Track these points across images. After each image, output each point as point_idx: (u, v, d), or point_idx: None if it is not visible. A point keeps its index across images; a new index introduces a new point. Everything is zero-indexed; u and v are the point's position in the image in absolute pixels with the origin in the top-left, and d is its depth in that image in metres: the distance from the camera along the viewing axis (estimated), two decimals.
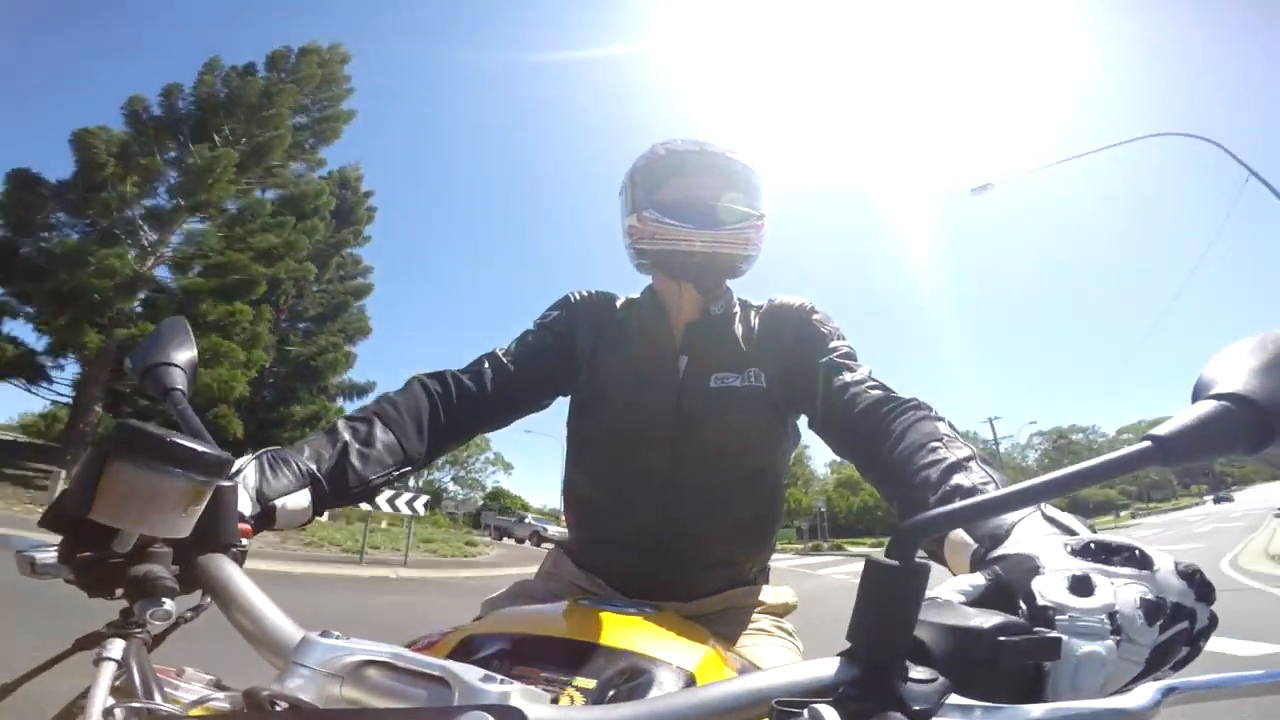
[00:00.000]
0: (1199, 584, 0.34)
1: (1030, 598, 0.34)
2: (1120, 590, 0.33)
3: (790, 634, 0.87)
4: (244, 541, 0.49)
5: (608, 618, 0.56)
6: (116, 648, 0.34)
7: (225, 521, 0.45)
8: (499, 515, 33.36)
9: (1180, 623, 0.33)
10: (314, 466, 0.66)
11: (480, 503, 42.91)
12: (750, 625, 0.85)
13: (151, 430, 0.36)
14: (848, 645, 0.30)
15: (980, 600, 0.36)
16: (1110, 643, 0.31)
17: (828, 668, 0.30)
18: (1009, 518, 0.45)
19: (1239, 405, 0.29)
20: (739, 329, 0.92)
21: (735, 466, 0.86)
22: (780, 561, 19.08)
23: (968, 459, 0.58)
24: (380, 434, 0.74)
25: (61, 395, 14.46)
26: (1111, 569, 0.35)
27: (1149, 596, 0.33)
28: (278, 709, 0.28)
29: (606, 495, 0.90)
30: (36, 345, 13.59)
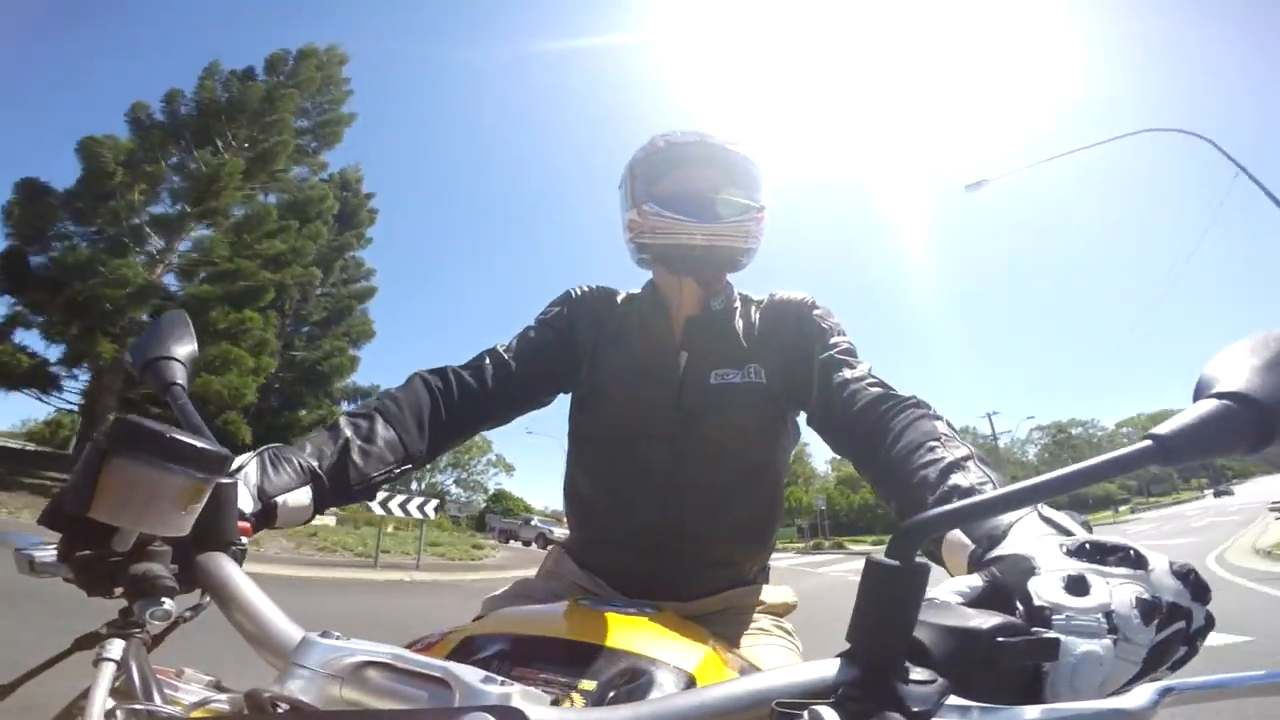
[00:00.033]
0: (1194, 583, 0.34)
1: (1027, 598, 0.34)
2: (1116, 590, 0.33)
3: (790, 634, 0.87)
4: (244, 540, 0.49)
5: (608, 618, 0.56)
6: (116, 648, 0.34)
7: (225, 520, 0.44)
8: (503, 518, 33.74)
9: (1177, 622, 0.33)
10: (315, 463, 0.66)
11: (483, 505, 43.07)
12: (750, 625, 0.85)
13: (152, 426, 0.36)
14: (847, 645, 0.31)
15: (978, 601, 0.36)
16: (1107, 642, 0.31)
17: (827, 669, 0.30)
18: (1006, 518, 0.45)
19: (1240, 404, 0.29)
20: (739, 324, 0.92)
21: (735, 463, 0.86)
22: (781, 560, 19.24)
23: (965, 458, 0.58)
24: (382, 430, 0.74)
25: (67, 403, 14.58)
26: (1107, 569, 0.35)
27: (1145, 596, 0.33)
28: (279, 710, 0.28)
29: (607, 493, 0.90)
30: (47, 354, 13.73)
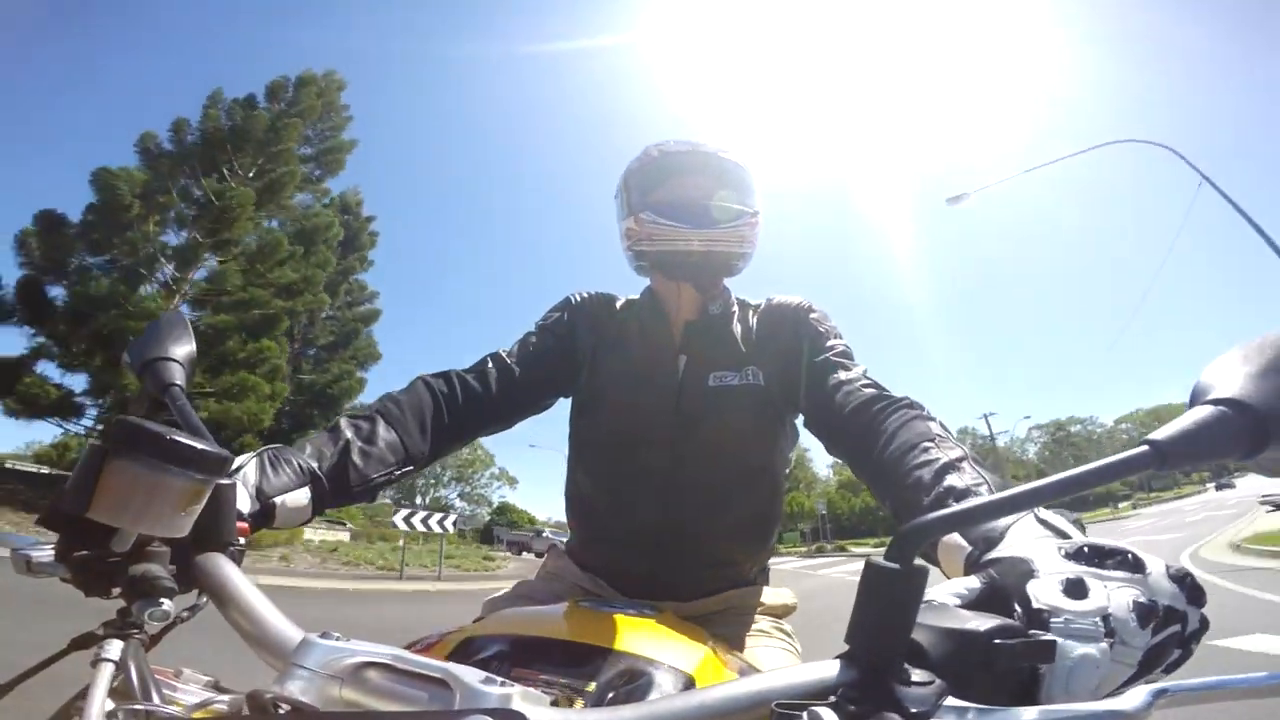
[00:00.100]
0: (1190, 587, 0.34)
1: (1025, 601, 0.34)
2: (1113, 593, 0.33)
3: (789, 635, 0.87)
4: (242, 540, 0.49)
5: (607, 619, 0.56)
6: (115, 648, 0.34)
7: (224, 521, 0.44)
8: (512, 530, 34.49)
9: (1172, 625, 0.33)
10: (315, 464, 0.65)
11: (488, 518, 43.25)
12: (750, 627, 0.85)
13: (152, 427, 0.36)
14: (845, 647, 0.31)
15: (975, 603, 0.37)
16: (1104, 645, 0.32)
17: (827, 670, 0.30)
18: (1003, 521, 0.45)
19: (1235, 410, 0.30)
20: (737, 328, 0.92)
21: (734, 465, 0.86)
22: (784, 564, 19.78)
23: (960, 460, 0.58)
24: (383, 432, 0.73)
25: (72, 426, 14.73)
26: (1104, 572, 0.35)
27: (1141, 599, 0.33)
28: (280, 711, 0.28)
29: (607, 495, 0.90)
30: (71, 386, 14.03)
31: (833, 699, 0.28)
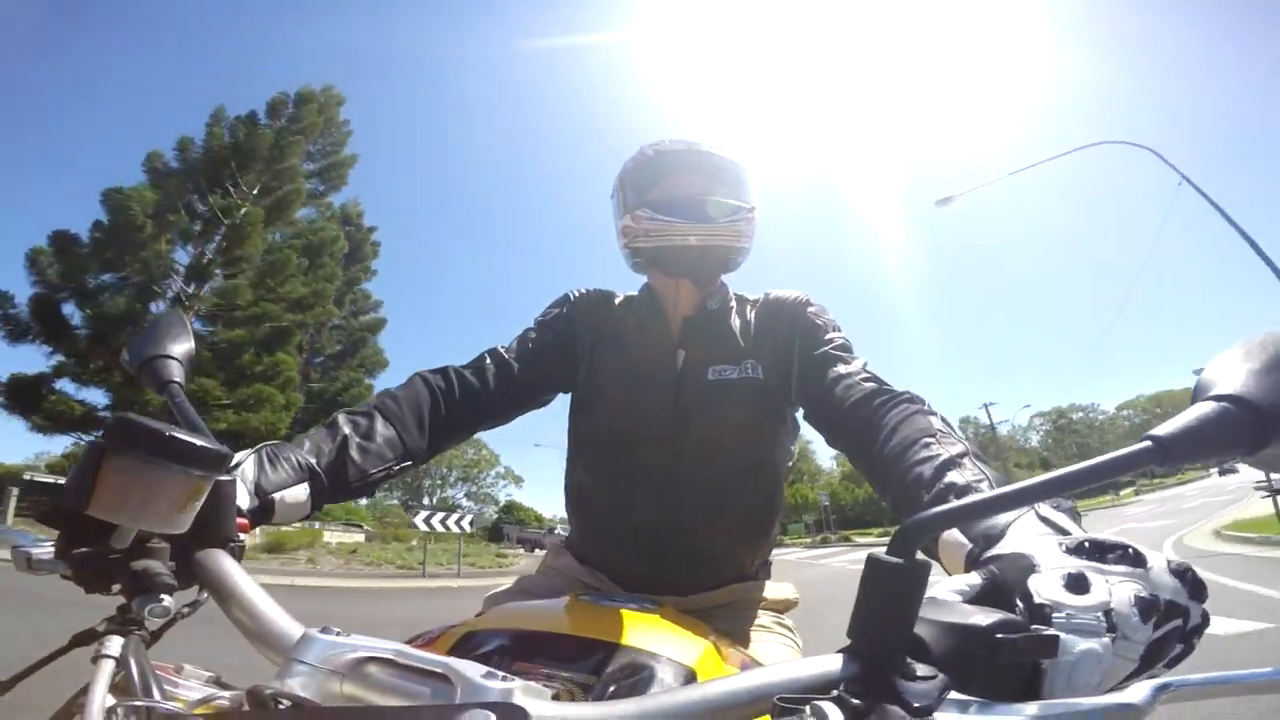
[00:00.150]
0: (1191, 582, 0.34)
1: (1027, 596, 0.34)
2: (1115, 588, 0.33)
3: (791, 630, 0.87)
4: (242, 537, 0.49)
5: (608, 613, 0.56)
6: (115, 645, 0.34)
7: (224, 517, 0.44)
8: (524, 529, 35.64)
9: (1174, 620, 0.33)
10: (313, 460, 0.65)
11: (494, 517, 43.68)
12: (751, 621, 0.85)
13: (151, 424, 0.36)
14: (844, 635, 0.31)
15: (977, 598, 0.36)
16: (1106, 640, 0.32)
17: (829, 664, 0.30)
18: (1004, 517, 0.45)
19: (1237, 407, 0.30)
20: (736, 322, 0.92)
21: (734, 459, 0.86)
22: (790, 554, 20.18)
23: (961, 455, 0.58)
24: (381, 428, 0.73)
25: (79, 436, 15.06)
26: (1106, 567, 0.35)
27: (1143, 594, 0.33)
28: (281, 707, 0.27)
29: (606, 491, 0.90)
30: (79, 397, 14.49)
31: (835, 693, 0.28)
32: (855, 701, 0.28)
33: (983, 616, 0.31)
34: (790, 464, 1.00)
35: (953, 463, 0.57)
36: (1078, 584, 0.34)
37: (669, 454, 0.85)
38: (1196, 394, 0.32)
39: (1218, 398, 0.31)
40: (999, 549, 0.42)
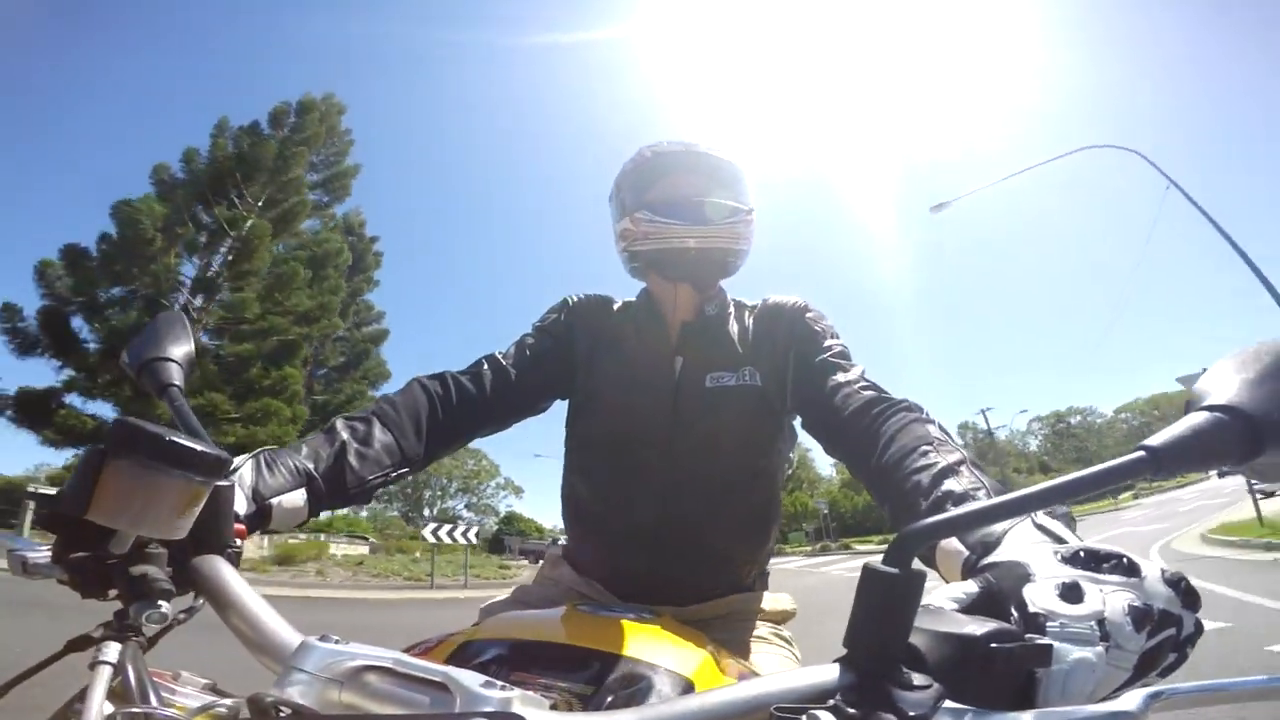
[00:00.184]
0: (1185, 591, 0.35)
1: (1022, 605, 0.34)
2: (1109, 597, 0.33)
3: (788, 641, 0.87)
4: (239, 542, 0.49)
5: (605, 623, 0.56)
6: (113, 651, 0.33)
7: (222, 523, 0.44)
8: (525, 540, 35.74)
9: (1167, 629, 0.33)
10: (311, 466, 0.65)
11: (495, 528, 43.71)
12: (749, 632, 0.85)
13: (151, 429, 0.36)
14: (840, 643, 0.31)
15: (973, 607, 0.37)
16: (1100, 649, 0.32)
17: (825, 674, 0.30)
18: (1000, 526, 0.45)
19: (1231, 416, 0.30)
20: (734, 328, 0.92)
21: (731, 466, 0.86)
22: (790, 563, 20.37)
23: (958, 464, 0.58)
24: (379, 434, 0.73)
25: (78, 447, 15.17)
26: (1100, 576, 0.35)
27: (1137, 603, 0.33)
28: (281, 715, 0.27)
29: (603, 498, 0.90)
30: (86, 410, 14.55)
31: (831, 703, 0.29)
32: (851, 711, 0.28)
33: (977, 626, 0.31)
34: (789, 471, 1.00)
35: (950, 471, 0.57)
36: (1072, 593, 0.34)
37: (666, 460, 0.85)
38: (1190, 404, 0.33)
39: (1211, 407, 0.31)
40: (995, 557, 0.42)
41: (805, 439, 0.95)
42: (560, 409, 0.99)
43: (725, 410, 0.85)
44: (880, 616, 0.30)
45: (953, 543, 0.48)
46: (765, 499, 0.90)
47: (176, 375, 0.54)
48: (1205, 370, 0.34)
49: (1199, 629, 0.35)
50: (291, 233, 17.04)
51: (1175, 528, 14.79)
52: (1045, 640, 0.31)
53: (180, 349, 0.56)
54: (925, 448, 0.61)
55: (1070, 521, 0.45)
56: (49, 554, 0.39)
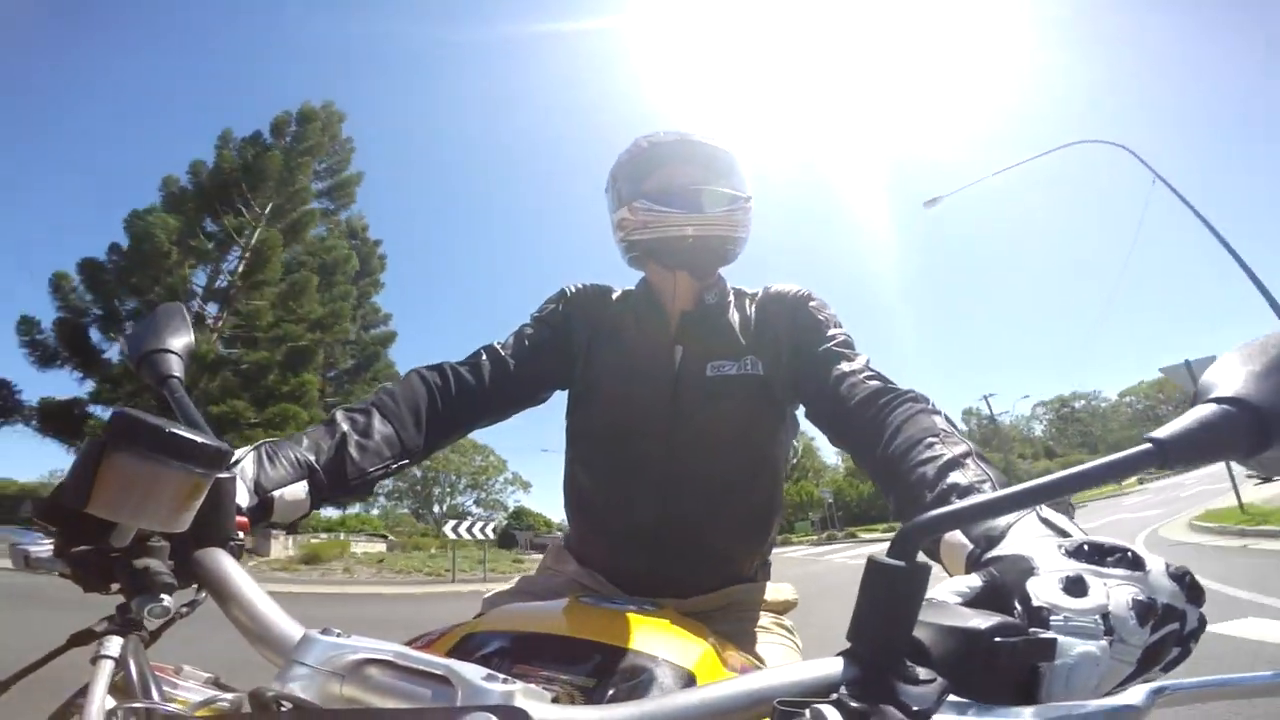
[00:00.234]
0: (1189, 585, 0.35)
1: (1025, 599, 0.34)
2: (1113, 591, 0.33)
3: (790, 632, 0.87)
4: (241, 535, 0.49)
5: (607, 615, 0.56)
6: (115, 645, 0.33)
7: (224, 515, 0.44)
8: (536, 534, 36.56)
9: (1171, 624, 0.33)
10: (312, 457, 0.65)
11: (504, 522, 44.13)
12: (751, 623, 0.85)
13: (151, 421, 0.36)
14: (843, 633, 0.31)
15: (976, 601, 0.37)
16: (1104, 643, 0.32)
17: (828, 667, 0.30)
18: (1004, 519, 0.45)
19: (1237, 409, 0.30)
20: (735, 317, 0.92)
21: (733, 456, 0.86)
22: (795, 552, 20.51)
23: (964, 456, 0.57)
24: (379, 425, 0.73)
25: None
26: (1104, 570, 0.35)
27: (1141, 597, 0.33)
28: (283, 709, 0.27)
29: (604, 489, 0.90)
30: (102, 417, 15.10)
31: (835, 696, 0.28)
32: (854, 704, 0.28)
33: (981, 620, 0.31)
34: (793, 461, 1.00)
35: (956, 463, 0.57)
36: (1076, 587, 0.34)
37: (667, 450, 0.84)
38: (1197, 396, 0.32)
39: (1218, 400, 0.31)
40: (999, 550, 0.42)
41: (810, 428, 0.95)
42: (561, 400, 0.99)
43: (726, 399, 0.85)
44: (884, 610, 0.30)
45: (957, 536, 0.48)
46: (768, 489, 0.89)
47: (176, 366, 0.54)
48: (1190, 361, 0.34)
49: (1202, 624, 0.34)
50: (300, 241, 17.43)
51: (1172, 513, 14.78)
52: (1049, 634, 0.31)
53: (180, 340, 0.56)
54: (931, 439, 0.61)
55: (1069, 510, 0.45)
56: (50, 548, 0.39)
